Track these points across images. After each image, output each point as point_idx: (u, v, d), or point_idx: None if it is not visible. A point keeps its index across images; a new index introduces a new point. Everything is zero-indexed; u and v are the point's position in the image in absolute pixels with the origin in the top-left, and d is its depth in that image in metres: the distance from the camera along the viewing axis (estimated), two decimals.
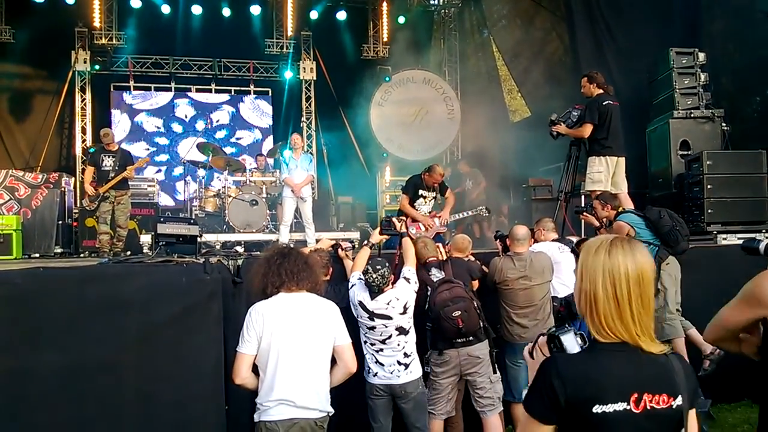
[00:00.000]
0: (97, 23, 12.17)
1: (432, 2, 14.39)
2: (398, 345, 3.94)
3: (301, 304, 3.09)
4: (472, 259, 4.90)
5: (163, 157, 13.14)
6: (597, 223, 5.80)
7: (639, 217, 5.40)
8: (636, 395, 1.52)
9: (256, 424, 3.03)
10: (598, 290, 1.59)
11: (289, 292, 3.08)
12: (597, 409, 1.51)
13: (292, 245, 3.17)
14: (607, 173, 6.25)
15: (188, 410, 3.70)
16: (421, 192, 6.79)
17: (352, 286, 4.07)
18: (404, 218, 4.63)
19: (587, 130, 6.28)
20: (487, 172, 10.27)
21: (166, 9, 12.32)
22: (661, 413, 1.54)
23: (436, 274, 4.39)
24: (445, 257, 4.69)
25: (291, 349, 2.99)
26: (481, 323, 4.09)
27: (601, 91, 6.38)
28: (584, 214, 5.99)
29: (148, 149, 12.91)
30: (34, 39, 11.92)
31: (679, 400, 1.56)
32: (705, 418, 4.91)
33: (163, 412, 3.68)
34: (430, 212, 6.83)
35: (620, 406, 1.51)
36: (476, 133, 12.11)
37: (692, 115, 7.39)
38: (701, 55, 7.52)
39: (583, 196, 6.98)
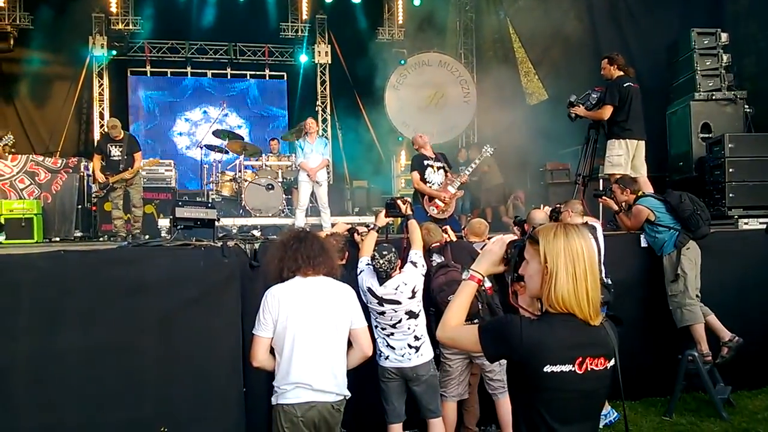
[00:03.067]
0: (113, 8, 12.18)
1: None
2: (408, 329, 3.96)
3: (318, 288, 3.09)
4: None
5: (180, 142, 13.21)
6: (616, 207, 5.74)
7: (659, 201, 5.34)
8: (580, 359, 1.78)
9: (274, 406, 3.05)
10: (560, 269, 1.79)
11: (305, 276, 3.08)
12: (547, 368, 1.76)
13: (308, 229, 3.17)
14: (626, 156, 6.17)
15: (207, 391, 3.75)
16: (426, 162, 6.67)
17: (361, 272, 4.07)
18: (408, 200, 4.57)
19: (607, 112, 6.19)
20: (504, 156, 10.19)
21: None
22: (598, 374, 1.81)
23: (436, 259, 4.37)
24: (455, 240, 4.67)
25: (307, 332, 3.00)
26: (481, 305, 4.05)
27: (622, 73, 6.28)
28: (603, 198, 5.93)
29: (163, 132, 13.00)
30: (52, 25, 11.99)
31: (612, 362, 1.84)
32: (725, 405, 4.88)
33: (183, 393, 3.74)
34: (441, 183, 6.70)
35: (567, 368, 1.77)
36: (492, 117, 12.01)
37: (714, 97, 7.24)
38: (723, 36, 7.35)
39: (601, 180, 6.90)
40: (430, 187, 6.60)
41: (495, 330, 1.90)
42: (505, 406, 4.20)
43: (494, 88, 12.42)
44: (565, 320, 1.80)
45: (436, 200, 6.55)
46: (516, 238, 2.12)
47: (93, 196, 8.43)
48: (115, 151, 7.81)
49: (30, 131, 12.37)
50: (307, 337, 3.00)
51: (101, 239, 8.81)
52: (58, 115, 12.54)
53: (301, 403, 2.97)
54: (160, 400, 3.73)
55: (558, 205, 4.98)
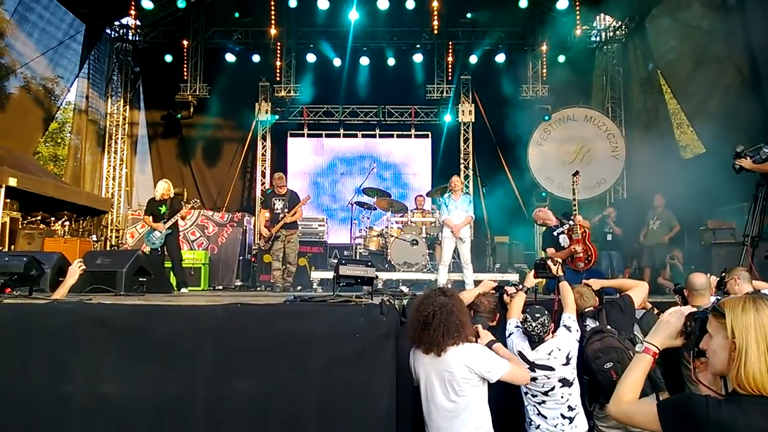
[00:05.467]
0: (278, 77, 13.56)
1: (594, 39, 14.06)
2: (562, 397, 3.80)
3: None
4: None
5: (333, 199, 14.09)
6: None
7: None
8: None
9: None
10: (750, 346, 1.66)
11: (428, 354, 3.37)
12: None
13: (441, 304, 3.35)
14: None
15: None
16: (556, 233, 6.69)
17: (510, 334, 4.00)
18: (559, 260, 4.46)
19: None
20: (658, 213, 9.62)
21: (337, 62, 13.50)
22: None
23: (590, 324, 4.15)
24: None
25: (433, 394, 3.37)
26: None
27: None
28: None
29: (317, 192, 13.95)
30: (226, 94, 13.68)
31: None
32: None
33: None
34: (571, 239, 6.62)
35: None
36: (643, 171, 11.46)
37: None
38: None
39: None
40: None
41: (677, 408, 1.82)
42: None
43: (645, 142, 11.90)
44: (758, 403, 1.68)
45: (574, 256, 6.47)
46: (695, 309, 2.05)
47: (256, 247, 9.12)
48: (278, 205, 8.35)
49: (201, 188, 14.00)
50: (434, 398, 3.36)
51: (258, 288, 9.56)
52: (226, 173, 14.10)
53: None
54: None
55: (722, 273, 4.61)
